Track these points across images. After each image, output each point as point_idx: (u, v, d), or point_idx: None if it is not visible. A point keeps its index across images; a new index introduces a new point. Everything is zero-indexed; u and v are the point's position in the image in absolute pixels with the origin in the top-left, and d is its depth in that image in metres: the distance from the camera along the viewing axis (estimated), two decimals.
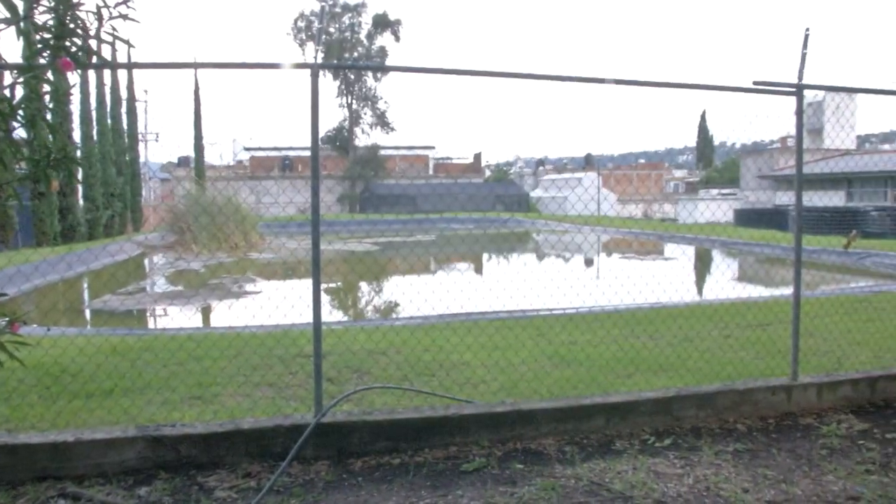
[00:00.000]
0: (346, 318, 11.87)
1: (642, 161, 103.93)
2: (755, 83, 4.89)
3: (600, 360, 6.05)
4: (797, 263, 5.16)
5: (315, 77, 4.20)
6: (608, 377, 5.62)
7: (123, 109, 31.21)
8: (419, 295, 8.98)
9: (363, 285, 16.20)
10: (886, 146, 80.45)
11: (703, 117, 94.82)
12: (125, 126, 31.36)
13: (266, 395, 5.15)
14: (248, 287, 15.06)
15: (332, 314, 12.02)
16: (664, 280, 11.14)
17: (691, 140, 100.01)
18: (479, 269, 21.48)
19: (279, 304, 7.15)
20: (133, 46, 3.10)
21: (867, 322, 8.08)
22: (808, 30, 5.05)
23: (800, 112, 5.02)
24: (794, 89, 4.99)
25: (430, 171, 66.75)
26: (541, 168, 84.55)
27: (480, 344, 6.53)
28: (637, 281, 10.67)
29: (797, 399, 5.12)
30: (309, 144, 4.31)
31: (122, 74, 31.57)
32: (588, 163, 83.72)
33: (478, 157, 69.79)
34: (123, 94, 31.59)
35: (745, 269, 20.96)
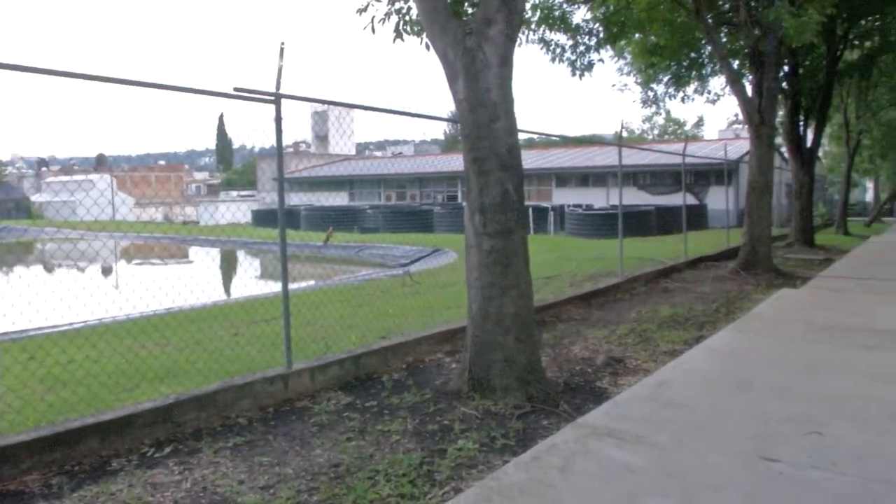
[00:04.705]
0: None
1: (162, 162, 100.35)
2: (235, 89, 5.11)
3: (102, 376, 5.63)
4: (283, 259, 5.59)
5: None
6: (110, 393, 5.27)
7: None
8: None
9: None
10: (379, 153, 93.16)
11: (221, 120, 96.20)
12: None
13: None
14: None
15: None
16: (181, 284, 10.92)
17: (212, 142, 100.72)
18: None
19: None
20: None
21: (358, 307, 9.19)
22: (283, 44, 5.47)
23: (279, 119, 5.40)
24: (272, 98, 5.36)
25: None
26: (44, 169, 75.65)
27: None
28: (153, 287, 10.24)
29: (294, 385, 5.54)
30: None
31: None
32: (101, 163, 77.83)
33: None
34: None
35: (263, 266, 21.93)
